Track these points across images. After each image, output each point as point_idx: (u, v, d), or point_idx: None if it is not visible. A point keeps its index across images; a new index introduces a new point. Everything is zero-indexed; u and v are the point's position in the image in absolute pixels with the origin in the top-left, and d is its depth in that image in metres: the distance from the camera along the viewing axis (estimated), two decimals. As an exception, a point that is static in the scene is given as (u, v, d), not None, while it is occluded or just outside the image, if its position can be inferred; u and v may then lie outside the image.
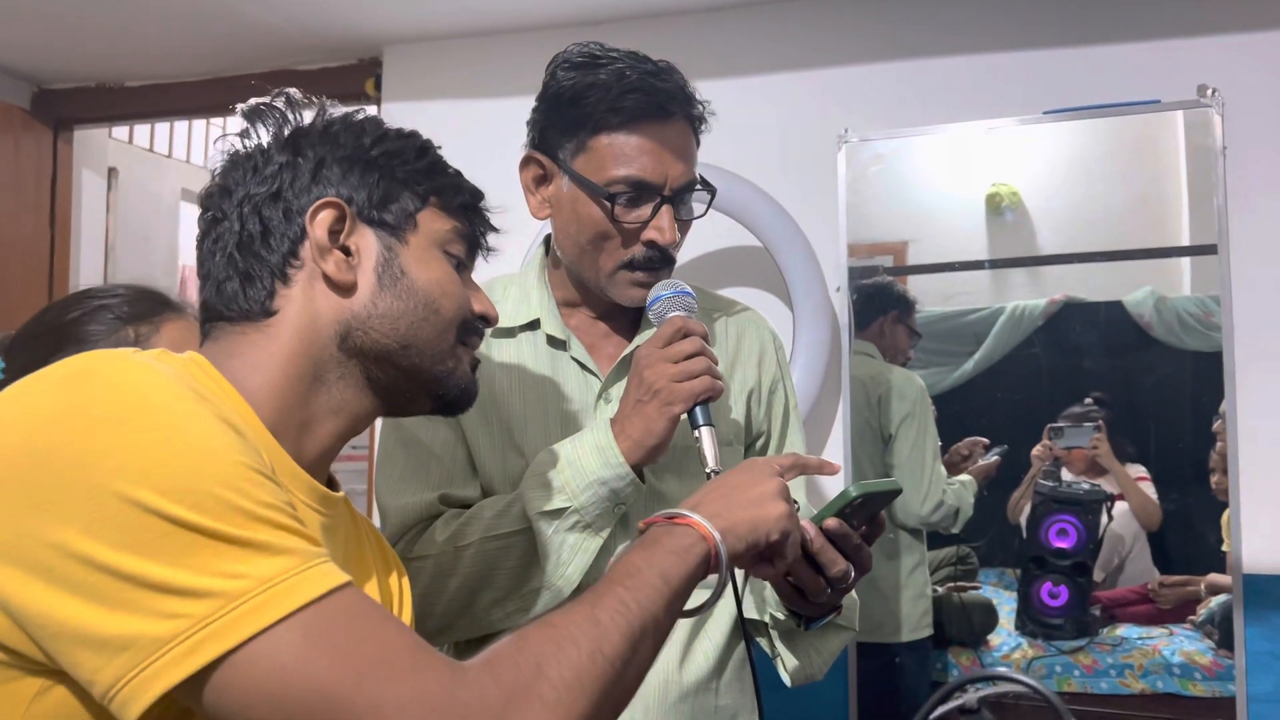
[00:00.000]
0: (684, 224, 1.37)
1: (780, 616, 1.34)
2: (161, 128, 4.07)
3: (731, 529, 1.02)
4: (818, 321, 2.31)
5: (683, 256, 1.40)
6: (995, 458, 2.32)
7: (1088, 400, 2.27)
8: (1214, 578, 2.18)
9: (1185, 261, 2.32)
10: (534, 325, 1.42)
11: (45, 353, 1.23)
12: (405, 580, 1.14)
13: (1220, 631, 2.14)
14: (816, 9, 2.48)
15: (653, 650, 0.91)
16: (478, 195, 1.08)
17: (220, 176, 1.01)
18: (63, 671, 0.75)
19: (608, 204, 1.31)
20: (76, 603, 0.72)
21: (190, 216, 1.04)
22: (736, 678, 1.41)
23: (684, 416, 1.27)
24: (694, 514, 1.01)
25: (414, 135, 1.05)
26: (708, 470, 1.24)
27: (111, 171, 3.45)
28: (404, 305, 0.99)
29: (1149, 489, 2.25)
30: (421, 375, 1.02)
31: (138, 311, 1.29)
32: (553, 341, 1.41)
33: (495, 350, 1.41)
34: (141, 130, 3.90)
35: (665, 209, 1.32)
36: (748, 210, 2.33)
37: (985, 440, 2.33)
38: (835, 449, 2.41)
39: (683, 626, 1.37)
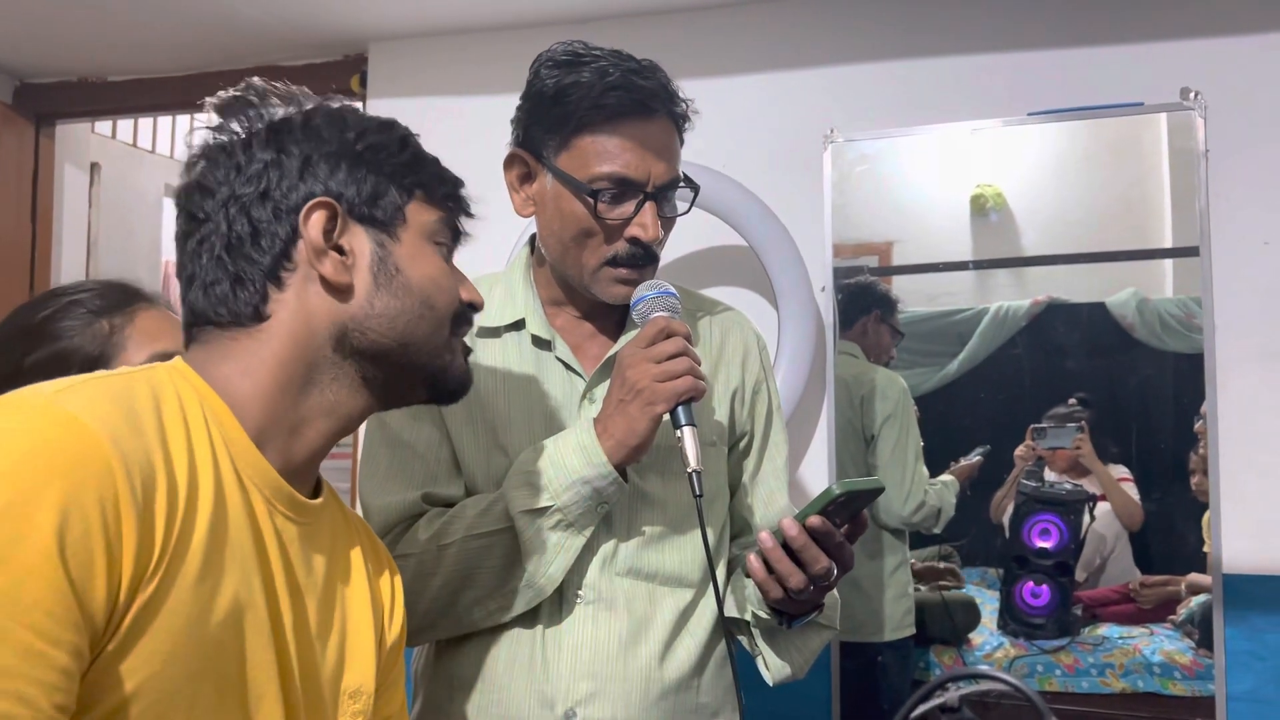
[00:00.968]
0: (667, 221, 1.38)
1: (763, 615, 1.35)
2: (145, 123, 4.05)
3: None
4: (802, 321, 2.32)
5: (668, 255, 1.41)
6: (978, 458, 2.33)
7: (1071, 401, 2.28)
8: (1194, 578, 2.19)
9: (1167, 263, 2.33)
10: (519, 325, 1.42)
11: (19, 354, 1.22)
12: (398, 580, 1.15)
13: (1200, 631, 2.16)
14: (803, 9, 2.48)
15: None
16: (458, 183, 1.08)
17: (199, 174, 0.99)
18: None
19: (591, 201, 1.31)
20: None
21: (174, 212, 1.02)
22: (717, 676, 1.42)
23: (667, 416, 1.27)
24: None
25: (394, 125, 1.04)
26: (689, 470, 1.24)
27: (94, 166, 3.43)
28: (401, 304, 0.99)
29: (1131, 489, 2.26)
30: (420, 371, 1.02)
31: (110, 304, 1.28)
32: (538, 341, 1.41)
33: (481, 350, 1.41)
34: (124, 125, 3.88)
35: (648, 206, 1.33)
36: (733, 209, 2.33)
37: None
38: (819, 449, 2.41)
39: (664, 624, 1.37)
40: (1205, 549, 2.16)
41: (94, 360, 1.21)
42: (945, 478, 2.33)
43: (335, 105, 1.03)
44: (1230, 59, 2.23)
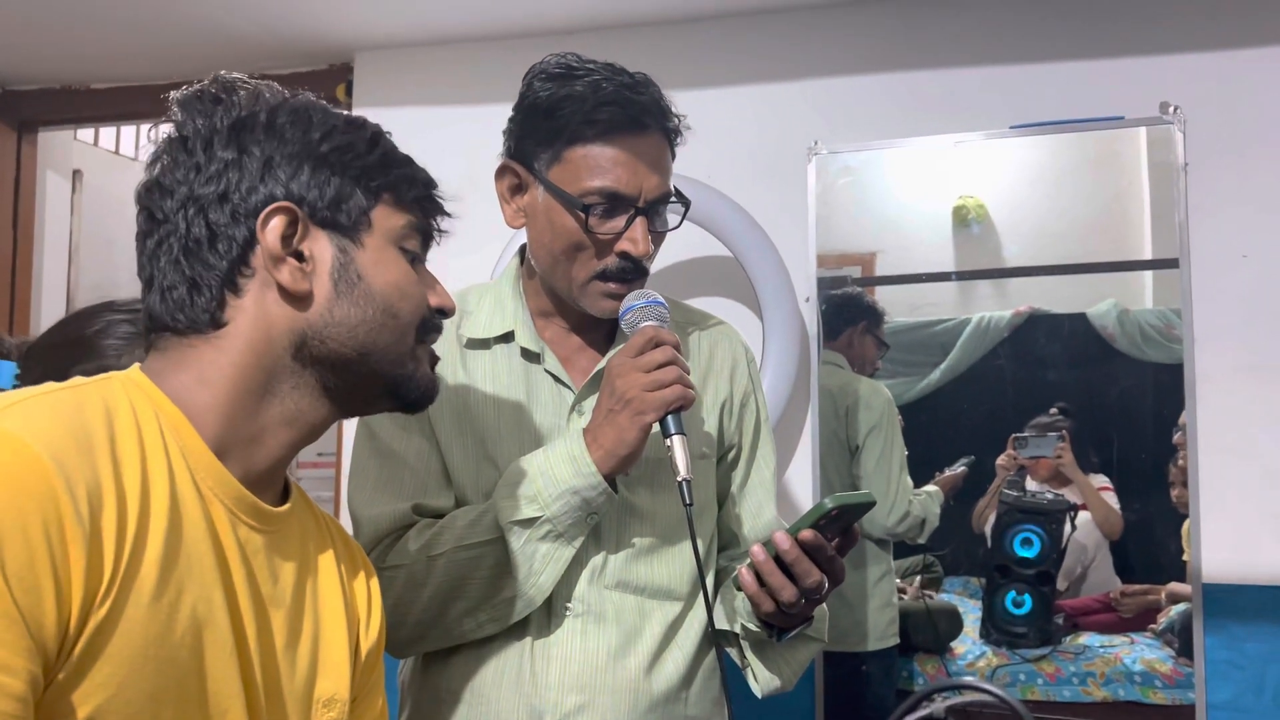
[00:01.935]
0: (658, 236, 1.38)
1: (752, 627, 1.35)
2: (127, 131, 4.02)
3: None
4: (787, 331, 2.33)
5: (653, 265, 1.41)
6: (962, 468, 2.34)
7: (1053, 410, 2.30)
8: (1174, 587, 2.21)
9: (1147, 275, 2.35)
10: (508, 337, 1.42)
11: (64, 364, 1.21)
12: (374, 582, 1.12)
13: (1180, 640, 2.17)
14: (789, 21, 2.50)
15: None
16: (431, 184, 1.04)
17: (159, 172, 0.95)
18: None
19: (582, 215, 1.31)
20: None
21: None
22: (706, 688, 1.42)
23: (656, 426, 1.27)
24: None
25: (363, 124, 1.01)
26: (679, 479, 1.24)
27: (76, 174, 3.41)
28: (361, 312, 0.96)
29: (1111, 499, 2.28)
30: (381, 380, 0.99)
31: None
32: (527, 354, 1.41)
33: (470, 361, 1.41)
34: (107, 133, 3.85)
35: (639, 221, 1.33)
36: (718, 220, 2.34)
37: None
38: (803, 460, 2.42)
39: (653, 637, 1.38)
40: (1185, 558, 2.18)
41: None
42: (929, 488, 2.35)
43: (303, 102, 0.99)
44: (1208, 74, 2.26)
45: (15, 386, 1.25)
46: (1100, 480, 2.29)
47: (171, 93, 0.97)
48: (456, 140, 2.43)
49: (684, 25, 2.55)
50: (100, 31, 2.69)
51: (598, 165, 1.31)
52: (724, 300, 2.48)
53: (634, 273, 1.35)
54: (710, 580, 1.44)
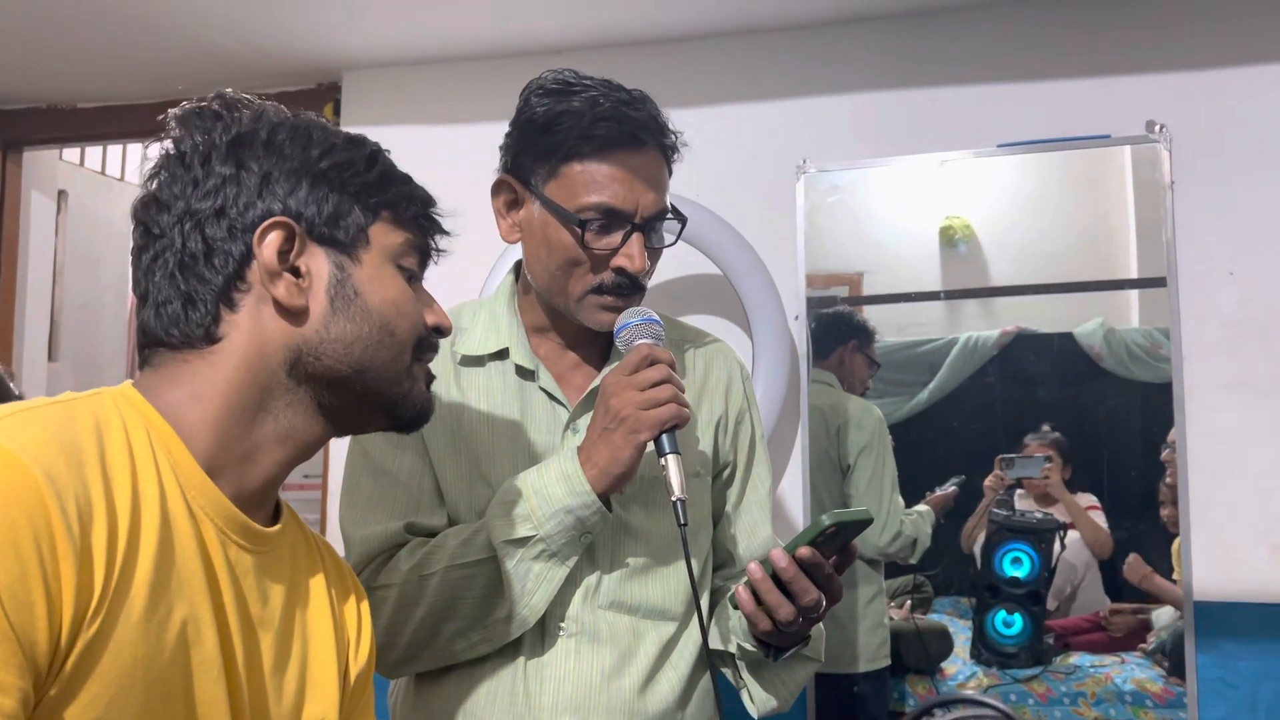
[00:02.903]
0: (654, 252, 1.38)
1: (748, 647, 1.34)
2: (113, 150, 4.02)
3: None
4: (777, 350, 2.32)
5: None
6: (953, 488, 2.34)
7: (1044, 428, 2.30)
8: (1164, 606, 2.21)
9: (1134, 294, 2.36)
10: (503, 354, 1.41)
11: None
12: (365, 605, 1.11)
13: (1171, 659, 2.17)
14: (778, 41, 2.51)
15: None
16: (429, 202, 1.04)
17: (156, 187, 0.95)
18: None
19: (578, 230, 1.31)
20: None
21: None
22: (701, 709, 1.41)
23: (650, 444, 1.27)
24: None
25: (363, 142, 1.01)
26: (674, 499, 1.24)
27: (61, 194, 3.40)
28: (358, 329, 0.95)
29: (1100, 518, 2.28)
30: (377, 398, 0.99)
31: None
32: (521, 371, 1.40)
33: (464, 379, 1.40)
34: (93, 153, 3.84)
35: (635, 237, 1.33)
36: (708, 238, 2.34)
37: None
38: (794, 478, 2.41)
39: (647, 657, 1.37)
40: (1175, 577, 2.18)
41: None
42: (921, 508, 2.34)
43: (304, 120, 0.99)
44: (1194, 93, 2.28)
45: None
46: (1089, 499, 2.29)
47: (171, 109, 0.97)
48: (444, 160, 2.42)
49: (672, 45, 2.56)
50: (87, 51, 2.68)
51: (594, 181, 1.31)
52: (714, 318, 2.48)
53: (630, 288, 1.35)
54: (705, 600, 1.43)
